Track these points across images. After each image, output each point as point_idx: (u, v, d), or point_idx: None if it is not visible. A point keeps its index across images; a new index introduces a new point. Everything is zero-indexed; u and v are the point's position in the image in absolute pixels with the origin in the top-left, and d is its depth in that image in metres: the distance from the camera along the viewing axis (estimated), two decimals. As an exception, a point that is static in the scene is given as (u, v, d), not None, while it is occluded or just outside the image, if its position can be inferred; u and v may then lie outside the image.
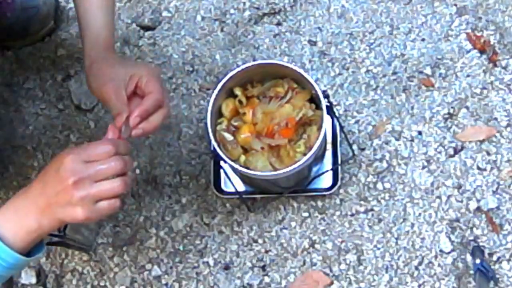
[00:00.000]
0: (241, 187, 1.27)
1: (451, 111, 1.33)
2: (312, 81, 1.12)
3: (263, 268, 1.27)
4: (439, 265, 1.24)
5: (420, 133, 1.32)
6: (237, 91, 1.17)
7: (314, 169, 1.25)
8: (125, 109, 0.98)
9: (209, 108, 1.12)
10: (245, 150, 1.15)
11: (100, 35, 1.06)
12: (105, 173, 0.86)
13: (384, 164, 1.30)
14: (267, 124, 1.14)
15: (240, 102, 1.17)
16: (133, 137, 0.98)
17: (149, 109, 0.98)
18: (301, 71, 1.12)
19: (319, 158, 1.24)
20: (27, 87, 1.43)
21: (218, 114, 1.17)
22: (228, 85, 1.15)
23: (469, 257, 1.24)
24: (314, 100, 1.16)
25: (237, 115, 1.17)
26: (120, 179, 0.87)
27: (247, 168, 1.13)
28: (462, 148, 1.31)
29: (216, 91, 1.13)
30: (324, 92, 1.13)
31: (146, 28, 1.46)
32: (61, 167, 0.85)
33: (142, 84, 0.99)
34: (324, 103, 1.12)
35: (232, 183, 1.22)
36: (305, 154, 1.11)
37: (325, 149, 1.27)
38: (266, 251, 1.28)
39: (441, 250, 1.25)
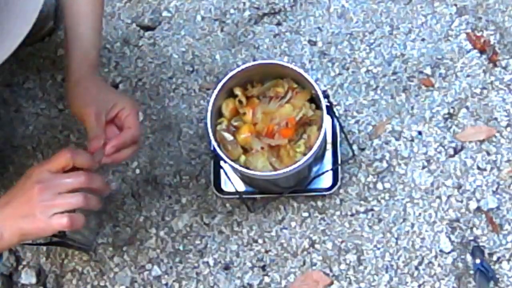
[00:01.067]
0: (241, 187, 1.27)
1: (451, 111, 1.33)
2: (312, 81, 1.12)
3: (263, 268, 1.27)
4: (439, 265, 1.24)
5: (420, 133, 1.32)
6: (237, 91, 1.16)
7: (314, 169, 1.25)
8: (103, 135, 1.00)
9: (209, 108, 1.12)
10: (245, 150, 1.15)
11: (88, 54, 1.08)
12: (69, 185, 0.88)
13: (384, 164, 1.30)
14: (267, 124, 1.14)
15: (240, 102, 1.16)
16: (101, 163, 0.99)
17: (126, 142, 1.02)
18: (301, 71, 1.12)
19: (319, 158, 1.24)
20: (27, 87, 1.43)
21: (218, 114, 1.17)
22: (228, 85, 1.15)
23: (469, 257, 1.24)
24: (314, 100, 1.16)
25: (237, 115, 1.17)
26: (80, 194, 0.88)
27: (247, 168, 1.13)
28: (462, 148, 1.31)
29: (216, 91, 1.13)
30: (324, 92, 1.13)
31: (146, 28, 1.46)
32: (28, 178, 0.88)
33: (123, 115, 1.02)
34: (324, 103, 1.11)
35: (232, 183, 1.22)
36: (305, 154, 1.11)
37: (325, 149, 1.27)
38: (266, 251, 1.28)
39: (441, 250, 1.25)
